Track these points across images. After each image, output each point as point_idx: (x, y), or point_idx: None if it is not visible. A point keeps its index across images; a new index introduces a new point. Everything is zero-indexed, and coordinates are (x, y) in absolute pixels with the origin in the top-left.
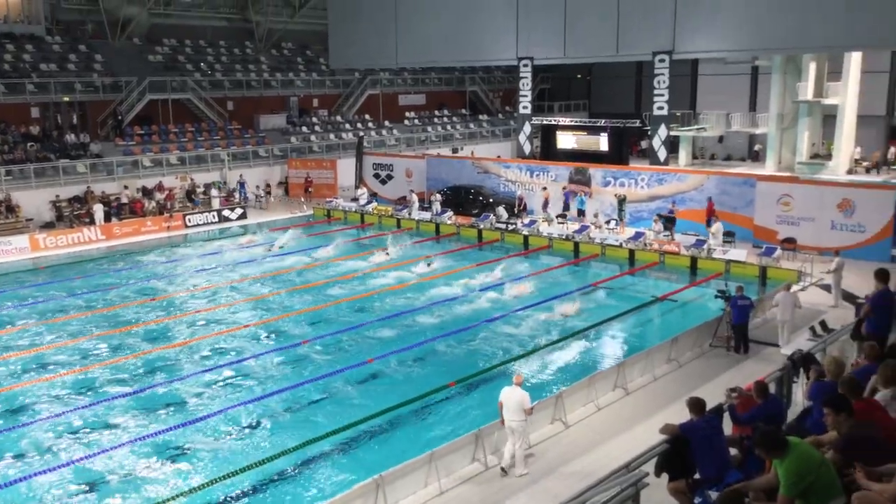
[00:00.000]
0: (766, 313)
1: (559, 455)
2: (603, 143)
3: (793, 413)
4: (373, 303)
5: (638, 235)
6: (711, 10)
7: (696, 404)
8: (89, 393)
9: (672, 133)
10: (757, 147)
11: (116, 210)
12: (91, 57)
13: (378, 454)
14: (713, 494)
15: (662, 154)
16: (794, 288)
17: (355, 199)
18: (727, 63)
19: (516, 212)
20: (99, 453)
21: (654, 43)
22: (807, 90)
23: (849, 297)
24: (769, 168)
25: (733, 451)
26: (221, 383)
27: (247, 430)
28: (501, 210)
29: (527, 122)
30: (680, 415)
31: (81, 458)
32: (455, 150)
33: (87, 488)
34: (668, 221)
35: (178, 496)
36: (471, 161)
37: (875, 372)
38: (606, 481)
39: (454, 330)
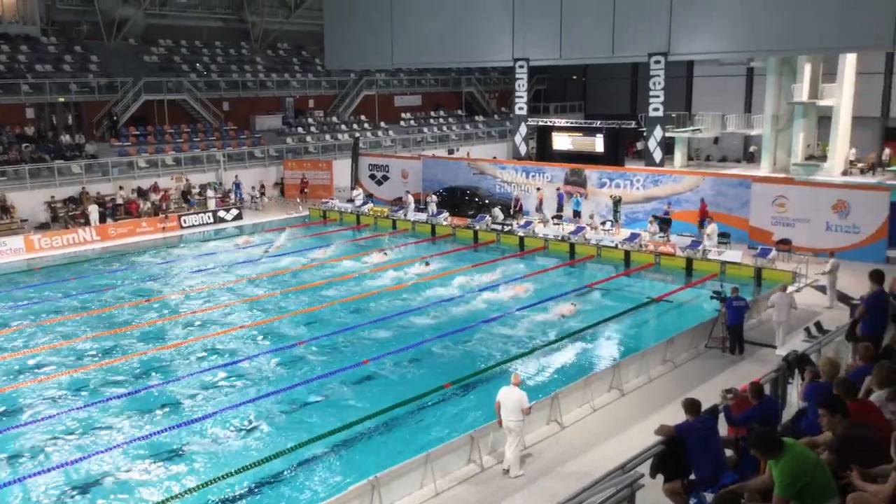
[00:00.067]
0: (762, 314)
1: (555, 456)
2: (598, 144)
3: (788, 414)
4: (368, 304)
5: (633, 237)
6: (707, 12)
7: (692, 405)
8: (84, 394)
9: (667, 134)
10: (752, 148)
11: (111, 211)
12: (86, 57)
13: (373, 455)
14: (708, 496)
15: (658, 155)
16: (790, 289)
17: (351, 201)
18: (722, 64)
19: (512, 213)
20: (93, 455)
21: (649, 44)
22: (802, 92)
23: (844, 298)
24: (764, 169)
25: (729, 452)
26: (217, 385)
27: (242, 432)
28: (497, 211)
29: (522, 124)
30: (675, 416)
31: (75, 461)
32: (451, 152)
33: (82, 490)
34: (664, 223)
35: (172, 498)
36: (467, 162)
37: (870, 373)
38: (602, 482)
39: (450, 331)
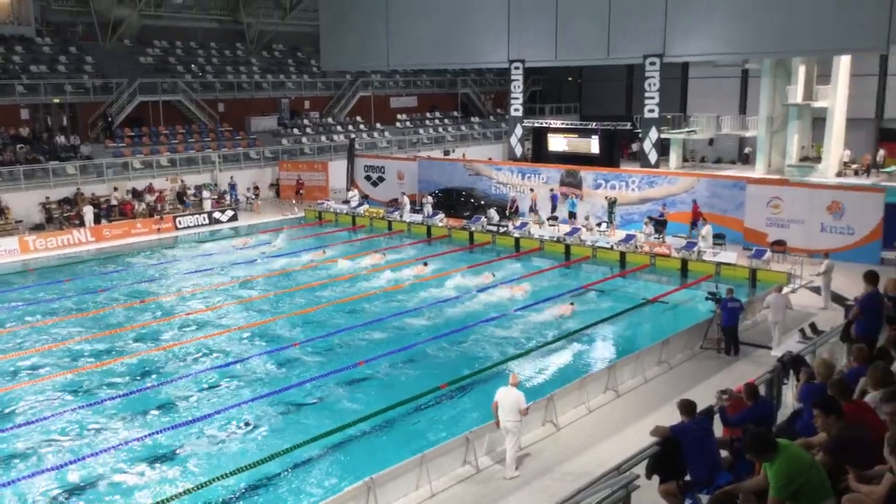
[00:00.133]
0: (757, 315)
1: (550, 457)
2: (594, 145)
3: (783, 415)
4: (364, 305)
5: (629, 238)
6: (702, 14)
7: (687, 406)
8: (78, 396)
9: (662, 136)
10: (747, 150)
11: (106, 212)
12: (81, 58)
13: (369, 457)
14: (704, 497)
15: (653, 157)
16: (785, 290)
17: (347, 202)
18: (717, 66)
19: (508, 214)
20: (88, 457)
21: (644, 46)
22: (796, 93)
23: (838, 299)
24: (759, 171)
25: (724, 453)
26: (212, 386)
27: (237, 434)
28: (493, 212)
29: (518, 125)
30: (671, 417)
31: (69, 463)
32: (446, 153)
33: (76, 492)
34: (659, 224)
35: (167, 500)
36: (462, 163)
37: (864, 374)
38: (597, 483)
39: (445, 332)
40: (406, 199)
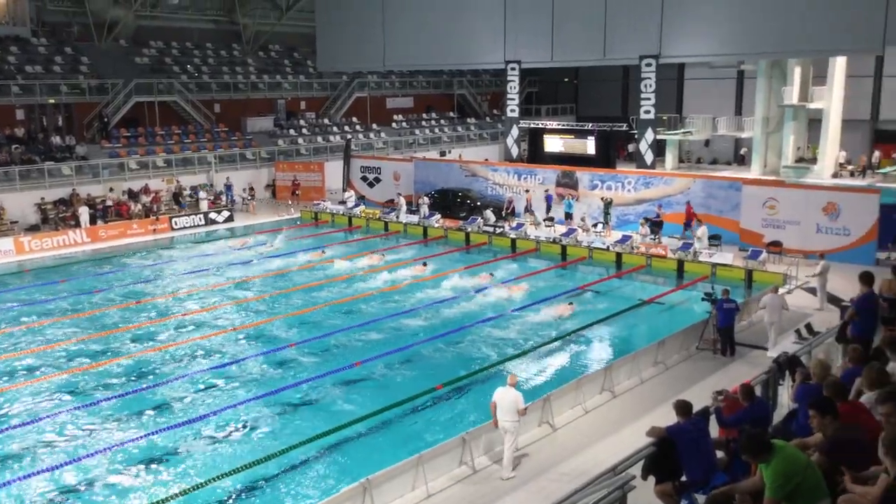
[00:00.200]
0: (752, 316)
1: (546, 458)
2: (590, 146)
3: (779, 415)
4: (360, 306)
5: (625, 239)
6: (697, 15)
7: (683, 407)
8: (74, 397)
9: (658, 137)
10: (743, 151)
11: (102, 213)
12: (77, 59)
13: (365, 457)
14: (700, 497)
15: (649, 158)
16: (781, 291)
17: (343, 202)
18: (713, 67)
19: (504, 215)
20: (84, 457)
21: (640, 47)
22: (792, 94)
23: (834, 300)
24: (755, 172)
25: (720, 454)
26: (208, 387)
27: (233, 434)
28: (489, 213)
29: (514, 126)
30: (667, 417)
31: (65, 463)
32: (443, 153)
33: (71, 494)
34: (655, 225)
35: (163, 501)
36: (458, 164)
37: (860, 375)
38: (593, 484)
39: (442, 333)
40: (402, 200)
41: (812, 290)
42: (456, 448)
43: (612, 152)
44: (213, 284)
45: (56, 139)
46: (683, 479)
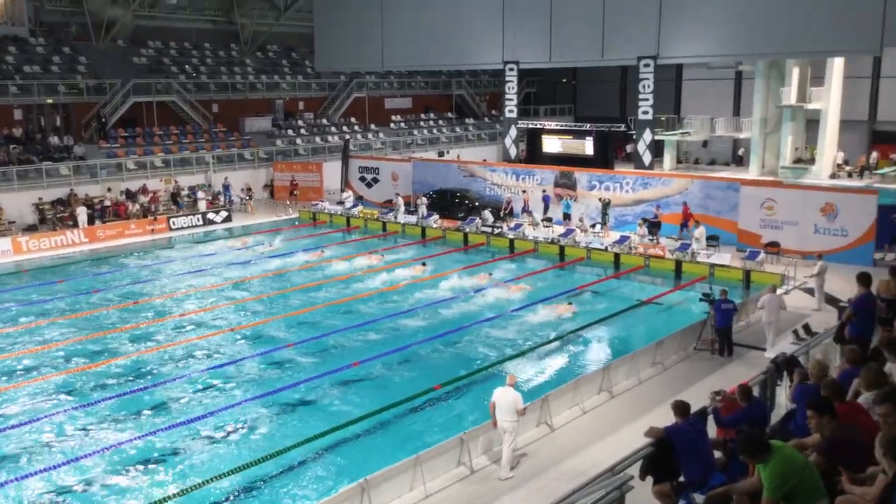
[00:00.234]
0: (750, 317)
1: (545, 458)
2: (588, 146)
3: (776, 416)
4: (358, 306)
5: (623, 239)
6: (696, 16)
7: (681, 407)
8: (71, 397)
9: (657, 137)
10: (741, 151)
11: (100, 213)
12: (75, 59)
13: (363, 458)
14: (698, 497)
15: (647, 158)
16: (779, 291)
17: (341, 203)
18: (711, 68)
19: (502, 215)
20: (81, 458)
21: (638, 48)
22: (790, 95)
23: (832, 300)
24: (753, 172)
25: (717, 454)
26: (205, 387)
27: (231, 435)
28: (487, 213)
29: (513, 126)
30: (665, 418)
31: (62, 464)
32: (441, 154)
33: (69, 494)
34: (653, 226)
35: (160, 501)
36: (457, 164)
37: (858, 375)
38: (591, 484)
39: (440, 333)
40: (400, 201)
41: (810, 291)
42: (454, 448)
43: (610, 153)
44: (212, 285)
45: (54, 139)
46: (681, 479)
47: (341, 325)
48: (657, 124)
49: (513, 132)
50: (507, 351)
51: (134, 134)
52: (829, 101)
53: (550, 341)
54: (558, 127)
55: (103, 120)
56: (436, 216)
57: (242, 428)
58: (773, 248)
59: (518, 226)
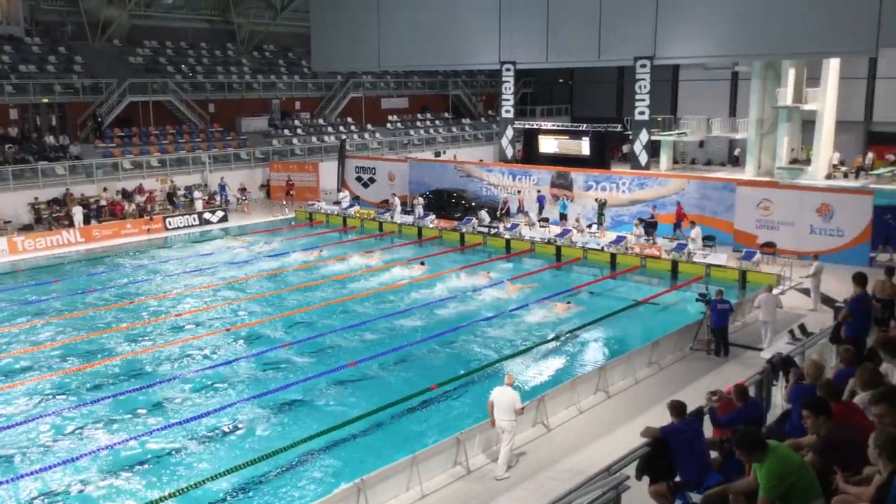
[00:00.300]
0: (746, 317)
1: (541, 458)
2: (585, 147)
3: (772, 416)
4: (355, 306)
5: (619, 239)
6: (692, 16)
7: (677, 407)
8: (66, 397)
9: (653, 138)
10: (737, 152)
11: (96, 212)
12: (71, 58)
13: (359, 458)
14: (694, 497)
15: (643, 158)
16: (774, 291)
17: (337, 203)
18: (707, 69)
19: (499, 215)
20: (77, 458)
21: (635, 48)
22: (786, 96)
23: (828, 300)
24: (749, 173)
25: (714, 454)
26: (201, 387)
27: (226, 434)
28: (484, 214)
29: (509, 126)
30: (661, 418)
31: (57, 464)
32: (437, 154)
33: (64, 494)
34: (649, 226)
35: (156, 502)
36: (453, 165)
37: (853, 375)
38: (587, 484)
39: (437, 333)
40: (397, 201)
41: (806, 291)
42: (450, 448)
43: (606, 153)
44: (208, 284)
45: (50, 139)
46: (677, 479)
47: (338, 325)
48: (653, 125)
49: (509, 132)
50: (503, 350)
51: (130, 134)
52: (825, 101)
53: (547, 341)
54: (555, 127)
55: (99, 119)
56: (432, 216)
57: (238, 428)
58: (769, 248)
59: (514, 226)
